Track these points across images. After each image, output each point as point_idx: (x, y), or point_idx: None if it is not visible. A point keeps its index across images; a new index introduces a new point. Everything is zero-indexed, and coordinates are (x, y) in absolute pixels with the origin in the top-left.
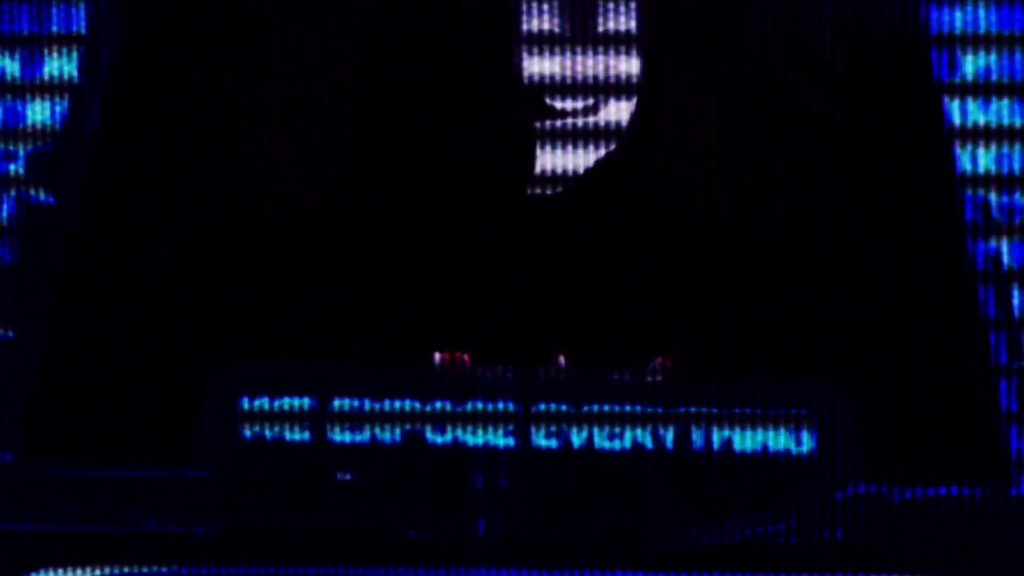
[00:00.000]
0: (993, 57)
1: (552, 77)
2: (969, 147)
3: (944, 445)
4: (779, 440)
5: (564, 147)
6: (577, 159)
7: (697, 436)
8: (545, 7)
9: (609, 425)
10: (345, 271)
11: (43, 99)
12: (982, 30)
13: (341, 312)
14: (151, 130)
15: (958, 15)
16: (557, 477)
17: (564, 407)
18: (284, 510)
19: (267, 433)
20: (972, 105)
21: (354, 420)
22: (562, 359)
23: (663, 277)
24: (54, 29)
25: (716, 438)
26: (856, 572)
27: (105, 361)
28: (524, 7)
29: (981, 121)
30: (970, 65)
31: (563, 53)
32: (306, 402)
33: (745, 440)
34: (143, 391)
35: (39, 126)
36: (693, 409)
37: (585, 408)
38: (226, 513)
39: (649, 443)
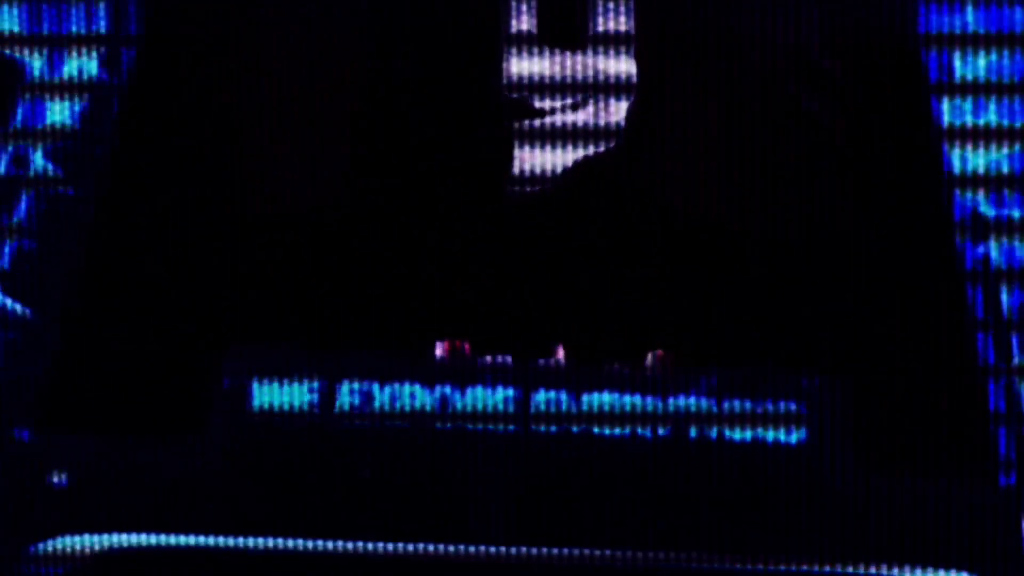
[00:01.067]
0: (991, 59)
1: (551, 78)
2: (960, 149)
3: (933, 442)
4: (773, 433)
5: (563, 146)
6: (576, 158)
7: (692, 427)
8: (545, 9)
9: (607, 413)
10: (352, 264)
11: (64, 98)
12: (981, 31)
13: (348, 303)
14: (167, 125)
15: (957, 19)
16: (555, 461)
17: (563, 394)
18: (290, 487)
19: (275, 412)
20: (967, 107)
21: (359, 403)
22: (561, 351)
23: (659, 272)
24: (74, 29)
25: (711, 430)
26: (850, 562)
27: (120, 344)
28: (523, 8)
29: (971, 122)
30: (966, 68)
31: (563, 55)
32: (313, 384)
33: (740, 433)
34: (157, 372)
35: (59, 122)
36: (692, 400)
37: (584, 396)
38: (234, 487)
39: (646, 432)
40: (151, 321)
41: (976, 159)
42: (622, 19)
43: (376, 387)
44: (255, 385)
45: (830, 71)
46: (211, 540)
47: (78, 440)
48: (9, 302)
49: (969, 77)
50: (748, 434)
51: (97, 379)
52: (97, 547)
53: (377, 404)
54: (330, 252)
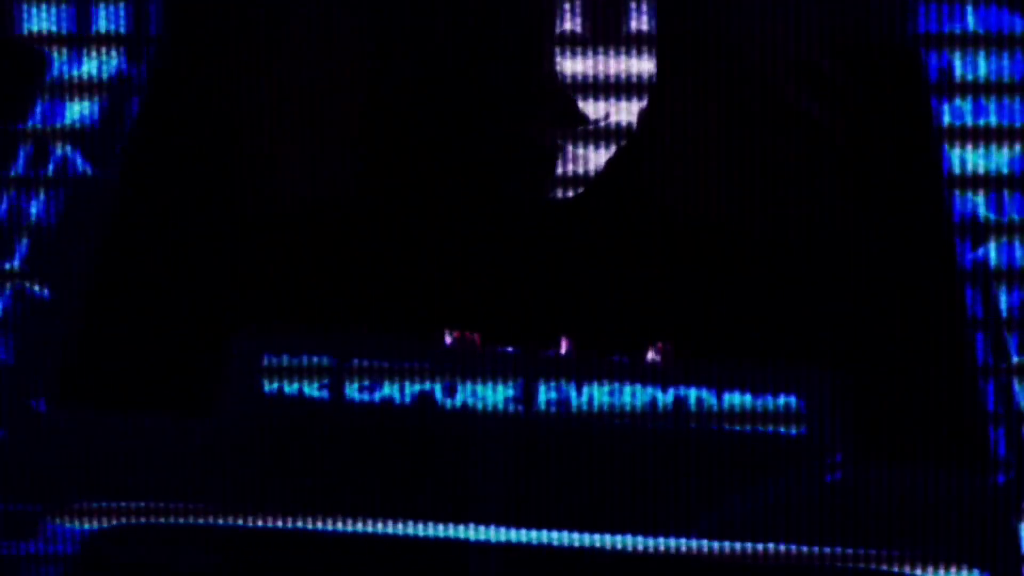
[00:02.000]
0: (991, 59)
1: (567, 77)
2: (960, 149)
3: (931, 439)
4: (772, 427)
5: (571, 145)
6: (582, 158)
7: (692, 418)
8: (566, 7)
9: (609, 403)
10: (365, 254)
11: (85, 94)
12: (981, 32)
13: (360, 291)
14: (186, 120)
15: (957, 19)
16: (558, 449)
17: (566, 384)
18: (296, 467)
19: (285, 395)
20: (967, 108)
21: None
22: (565, 343)
23: (664, 270)
24: (97, 28)
25: (711, 421)
26: (848, 557)
27: (137, 322)
28: (540, 7)
29: (970, 123)
30: (966, 68)
31: (571, 55)
32: (323, 368)
33: (739, 425)
34: (171, 353)
35: (82, 117)
36: (693, 391)
37: (586, 386)
38: (243, 467)
39: (646, 422)
40: (167, 305)
41: (976, 159)
42: (622, 21)
43: (384, 371)
44: (265, 368)
45: (830, 73)
46: (217, 517)
47: (93, 416)
48: (33, 285)
49: (969, 78)
50: (747, 427)
51: (114, 358)
52: (106, 522)
53: (385, 389)
54: (344, 242)
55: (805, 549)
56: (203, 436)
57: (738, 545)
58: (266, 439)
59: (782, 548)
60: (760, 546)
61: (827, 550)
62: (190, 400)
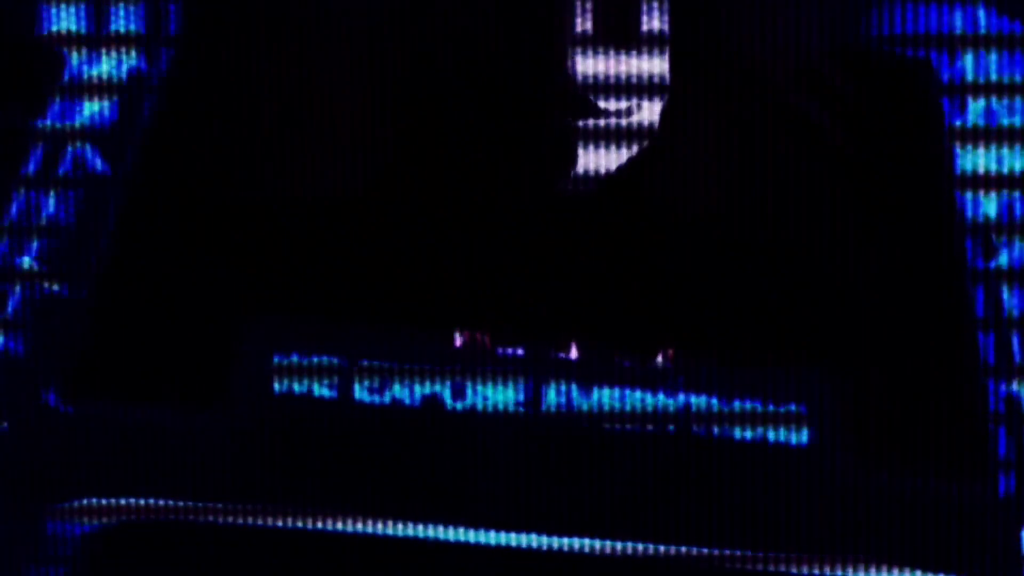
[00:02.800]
0: (992, 59)
1: (581, 77)
2: (961, 149)
3: (934, 443)
4: (776, 432)
5: (581, 147)
6: (593, 160)
7: (698, 425)
8: (581, 7)
9: (616, 407)
10: (378, 252)
11: (102, 93)
12: (981, 32)
13: (372, 290)
14: (202, 115)
15: (958, 19)
16: (564, 452)
17: (574, 387)
18: (305, 466)
19: (294, 393)
20: (970, 108)
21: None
22: (574, 346)
23: (672, 273)
24: (114, 28)
25: (716, 428)
26: (849, 563)
27: (149, 319)
28: (563, 6)
29: (971, 123)
30: (969, 68)
31: (588, 54)
32: (333, 367)
33: (742, 431)
34: (184, 347)
35: (98, 113)
36: (693, 397)
37: (594, 389)
38: (252, 462)
39: (652, 428)
40: (178, 303)
41: (978, 160)
42: (637, 21)
43: (393, 372)
44: (275, 367)
45: (832, 75)
46: (222, 516)
47: (103, 411)
48: (46, 282)
49: (970, 78)
50: (749, 433)
51: (125, 355)
52: (110, 520)
53: (394, 390)
54: (354, 242)
55: (807, 555)
56: (212, 434)
57: (739, 552)
58: (275, 438)
59: (783, 554)
60: (761, 552)
61: (828, 555)
62: (200, 398)
